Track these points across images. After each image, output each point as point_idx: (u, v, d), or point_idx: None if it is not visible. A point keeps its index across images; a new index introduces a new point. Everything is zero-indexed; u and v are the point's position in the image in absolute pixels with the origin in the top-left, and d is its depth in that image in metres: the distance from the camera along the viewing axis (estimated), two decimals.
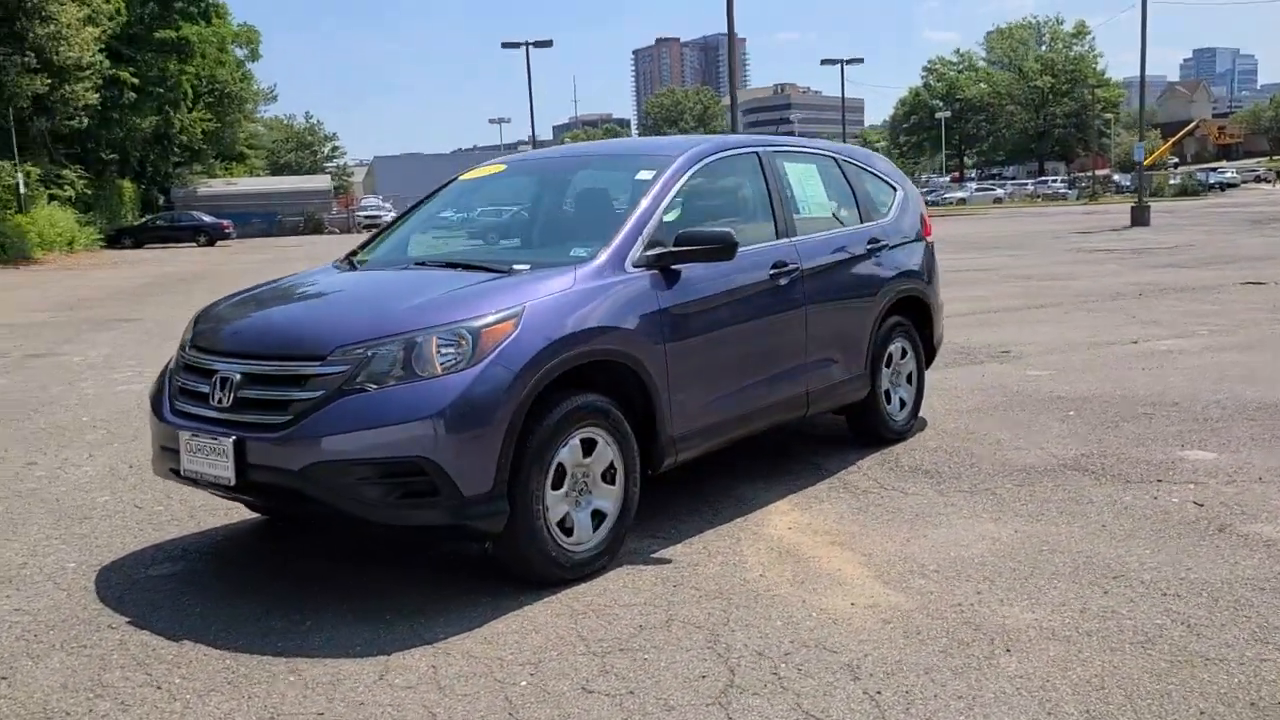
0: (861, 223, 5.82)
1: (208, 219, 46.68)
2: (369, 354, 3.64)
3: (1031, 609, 3.62)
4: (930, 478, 5.27)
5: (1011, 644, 3.35)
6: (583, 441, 3.98)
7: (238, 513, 4.91)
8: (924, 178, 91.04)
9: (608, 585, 3.95)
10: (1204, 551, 4.12)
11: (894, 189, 6.28)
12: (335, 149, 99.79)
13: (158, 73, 47.76)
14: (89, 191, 43.87)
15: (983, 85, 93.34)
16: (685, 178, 4.77)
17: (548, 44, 51.15)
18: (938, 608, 3.66)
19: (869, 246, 5.70)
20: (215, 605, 3.88)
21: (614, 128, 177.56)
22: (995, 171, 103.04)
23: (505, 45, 51.22)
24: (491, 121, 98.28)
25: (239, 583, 4.13)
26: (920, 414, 6.61)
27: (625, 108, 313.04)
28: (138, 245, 43.60)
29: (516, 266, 4.30)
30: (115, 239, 43.44)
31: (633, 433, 4.18)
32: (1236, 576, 3.84)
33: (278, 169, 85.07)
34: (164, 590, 4.06)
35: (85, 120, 34.66)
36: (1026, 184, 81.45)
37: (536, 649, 3.41)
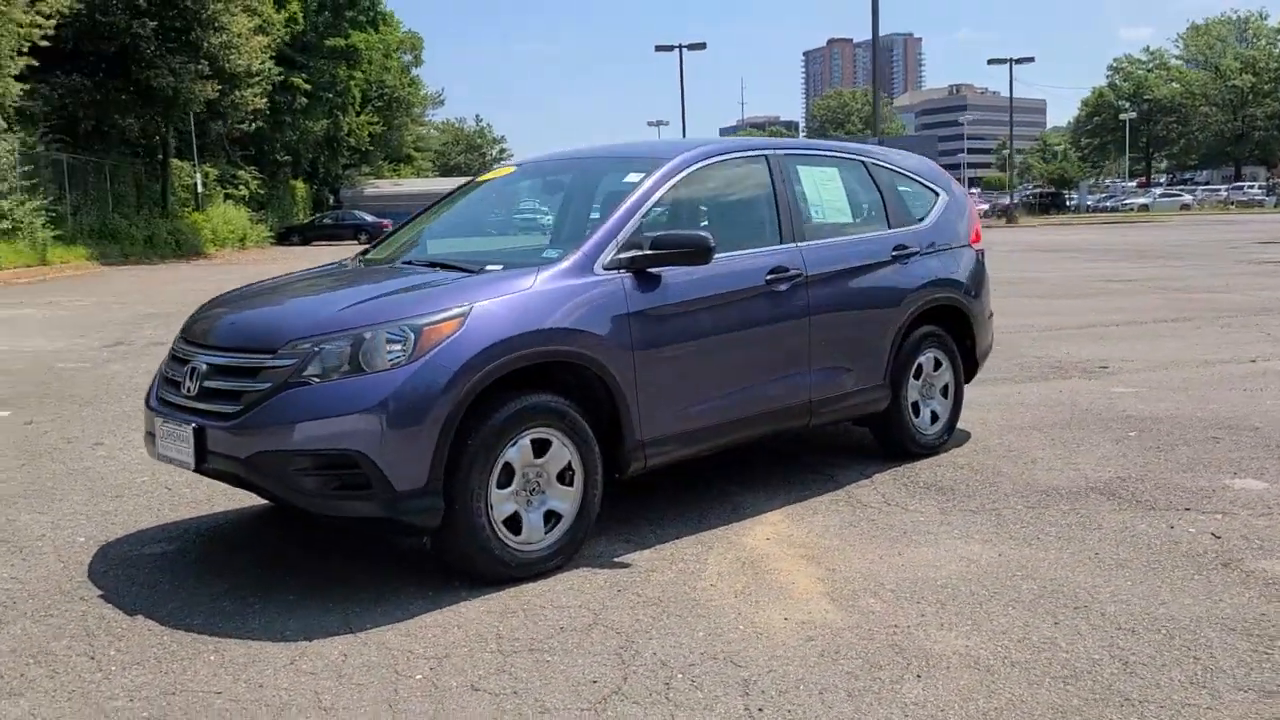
0: (890, 228, 5.64)
1: (369, 218, 48.69)
2: (316, 349, 3.76)
3: (969, 636, 3.45)
4: (941, 495, 5.07)
5: (926, 670, 3.20)
6: (535, 442, 4.00)
7: (249, 499, 5.14)
8: (1106, 182, 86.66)
9: (553, 586, 3.96)
10: (1191, 586, 3.83)
11: (935, 193, 6.05)
12: (503, 151, 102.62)
13: (328, 78, 50.16)
14: (262, 191, 46.51)
15: (1174, 85, 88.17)
16: (675, 181, 4.73)
17: (701, 46, 51.28)
18: (872, 628, 3.52)
19: (894, 253, 5.52)
20: (184, 584, 4.08)
21: (779, 129, 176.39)
22: (1187, 176, 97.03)
23: (659, 49, 51.66)
24: (650, 124, 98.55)
25: (217, 565, 4.33)
26: (966, 429, 6.38)
27: (794, 109, 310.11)
28: (304, 242, 45.86)
29: (490, 267, 4.36)
30: (284, 236, 45.88)
31: (596, 435, 4.18)
32: (1211, 615, 3.56)
33: (447, 170, 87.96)
34: (148, 567, 4.29)
35: (254, 124, 36.71)
36: (1219, 190, 76.43)
37: (449, 644, 3.45)
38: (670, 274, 4.45)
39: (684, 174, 4.79)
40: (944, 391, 5.89)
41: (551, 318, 4.03)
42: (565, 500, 4.12)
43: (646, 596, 3.85)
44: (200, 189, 38.13)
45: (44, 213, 24.92)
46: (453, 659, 3.34)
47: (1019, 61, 55.28)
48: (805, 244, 5.08)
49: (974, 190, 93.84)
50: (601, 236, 4.36)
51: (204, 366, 3.98)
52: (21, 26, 21.69)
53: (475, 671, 3.25)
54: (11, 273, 22.15)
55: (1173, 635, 3.40)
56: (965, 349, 6.02)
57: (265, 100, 35.94)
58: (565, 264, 4.24)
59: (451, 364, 3.73)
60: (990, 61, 57.70)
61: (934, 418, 5.84)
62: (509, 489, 3.95)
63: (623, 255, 4.34)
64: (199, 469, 3.91)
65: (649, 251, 4.34)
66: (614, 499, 4.99)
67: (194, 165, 37.82)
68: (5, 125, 24.26)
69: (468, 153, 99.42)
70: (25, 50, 23.13)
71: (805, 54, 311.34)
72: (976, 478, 5.35)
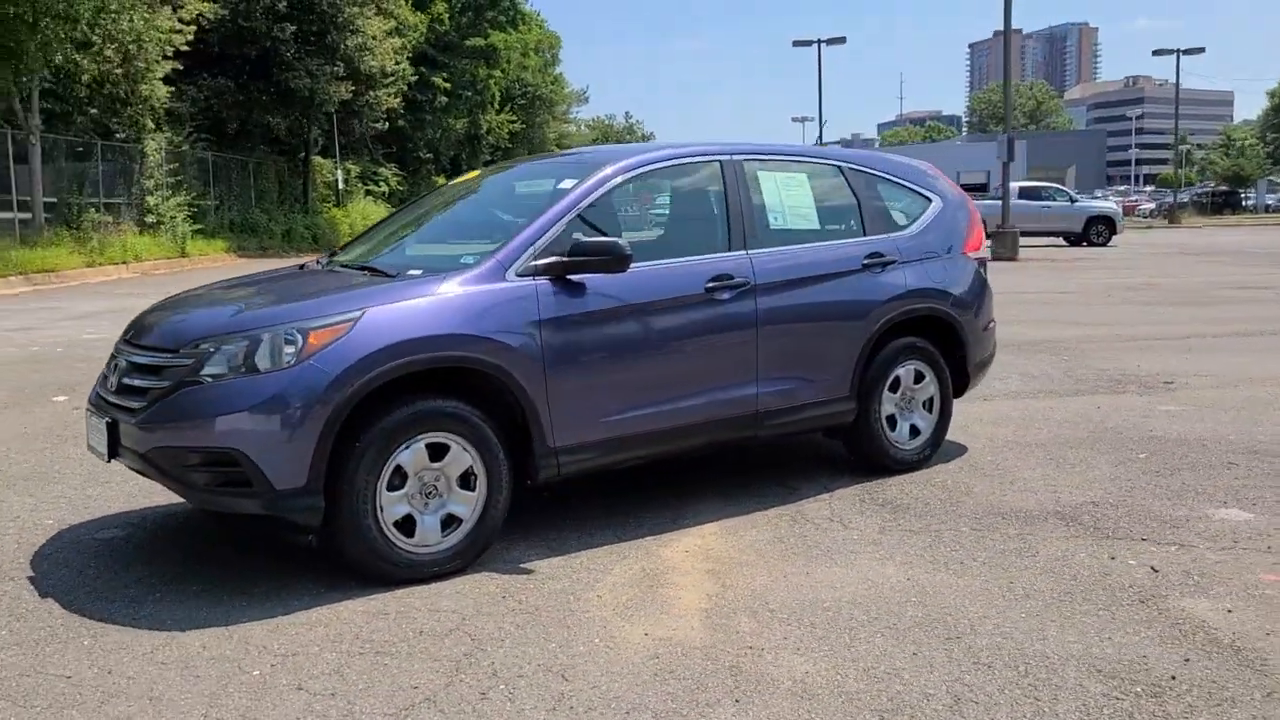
0: (865, 235, 5.47)
1: None
2: (212, 349, 3.90)
3: (817, 662, 3.34)
4: (893, 513, 4.90)
5: (747, 696, 3.11)
6: (432, 446, 4.06)
7: None
8: None
9: (441, 589, 4.00)
10: (1087, 622, 3.61)
11: (927, 200, 5.84)
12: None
13: (469, 78, 51.47)
14: (403, 188, 48.08)
15: None
16: (608, 188, 4.70)
17: (840, 41, 50.40)
18: (724, 649, 3.44)
19: (866, 262, 5.35)
20: (108, 570, 4.29)
21: (938, 125, 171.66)
22: None
23: (797, 44, 51.04)
24: (794, 120, 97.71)
25: (149, 553, 4.52)
26: (967, 443, 6.16)
27: (957, 104, 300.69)
28: None
29: (411, 271, 4.43)
30: None
31: (508, 441, 4.21)
32: (1085, 654, 3.35)
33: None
34: (88, 552, 4.52)
35: (393, 122, 37.91)
36: None
37: (304, 643, 3.53)
38: (596, 281, 4.44)
39: (619, 180, 4.76)
40: (927, 405, 5.68)
41: (448, 324, 4.07)
42: (466, 505, 4.16)
43: (526, 605, 3.86)
44: (341, 185, 39.73)
45: (186, 208, 26.41)
46: (298, 658, 3.42)
47: (1187, 52, 52.24)
48: (758, 252, 4.98)
49: (1147, 188, 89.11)
50: (518, 243, 4.38)
51: (124, 364, 4.19)
52: (162, 33, 22.99)
53: (310, 671, 3.32)
54: (151, 264, 23.56)
55: (1027, 673, 3.21)
56: (955, 361, 5.79)
57: (400, 100, 37.14)
58: (476, 270, 4.28)
59: (333, 368, 3.82)
60: (1156, 53, 54.58)
61: (914, 432, 5.64)
62: (401, 491, 4.01)
63: (540, 262, 4.35)
64: (111, 460, 4.12)
65: (564, 259, 4.34)
66: (552, 504, 5.03)
67: (335, 163, 39.42)
68: (153, 126, 25.85)
69: None
70: (170, 55, 24.55)
71: (971, 46, 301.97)
72: (941, 496, 5.15)
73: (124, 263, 22.49)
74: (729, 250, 4.94)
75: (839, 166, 5.58)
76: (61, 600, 3.96)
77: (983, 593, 3.91)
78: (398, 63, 35.13)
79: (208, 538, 4.78)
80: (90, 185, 23.85)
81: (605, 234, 4.55)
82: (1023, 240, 29.77)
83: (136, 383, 4.08)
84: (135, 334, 4.38)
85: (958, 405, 6.59)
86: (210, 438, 3.79)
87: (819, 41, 50.26)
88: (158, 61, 24.16)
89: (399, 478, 4.00)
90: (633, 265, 4.61)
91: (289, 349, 3.87)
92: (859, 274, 5.32)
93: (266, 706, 3.10)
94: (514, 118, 59.83)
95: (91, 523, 4.94)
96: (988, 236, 28.14)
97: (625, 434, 4.55)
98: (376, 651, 3.46)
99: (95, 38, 20.62)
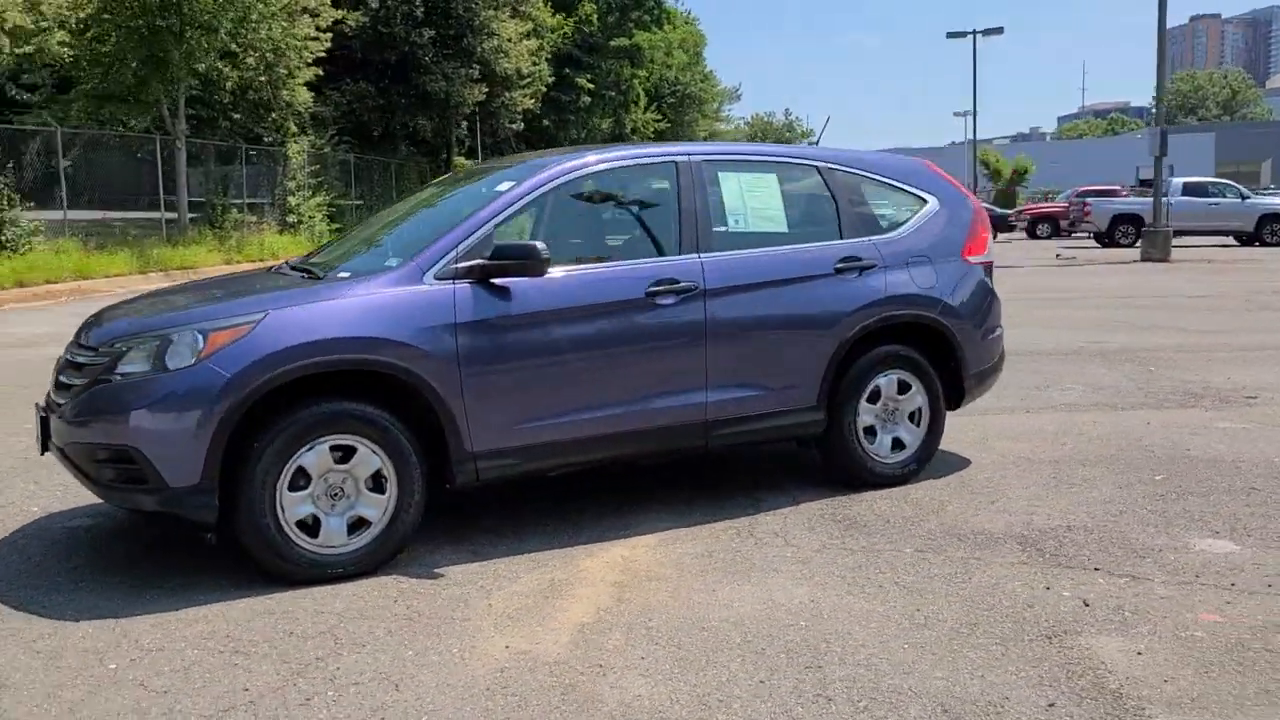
0: (841, 238, 5.23)
1: None
2: (124, 348, 4.04)
3: (659, 685, 3.21)
4: (845, 531, 4.67)
5: (569, 716, 3.02)
6: (337, 448, 4.09)
7: None
8: None
9: (340, 591, 4.02)
10: (968, 657, 3.36)
11: (923, 201, 5.54)
12: (811, 145, 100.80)
13: (613, 77, 52.00)
14: None
15: None
16: (543, 192, 4.64)
17: (997, 31, 48.65)
18: (574, 667, 3.35)
19: (839, 265, 5.12)
20: (55, 558, 4.47)
21: (1121, 117, 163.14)
22: None
23: (950, 35, 49.51)
24: (956, 115, 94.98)
25: (103, 545, 4.69)
26: (972, 457, 5.84)
27: (1146, 93, 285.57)
28: None
29: (340, 274, 4.49)
30: None
31: (415, 444, 4.21)
32: (945, 690, 3.13)
33: None
34: (49, 540, 4.73)
35: (523, 124, 38.62)
36: None
37: (176, 638, 3.60)
38: (521, 285, 4.39)
39: (556, 184, 4.69)
40: (913, 418, 5.39)
41: (351, 327, 4.09)
42: (376, 508, 4.18)
43: (412, 610, 3.85)
44: None
45: (325, 208, 27.62)
46: (161, 654, 3.49)
47: None
48: (710, 255, 4.83)
49: None
50: (439, 247, 4.37)
51: (64, 361, 4.38)
52: (298, 40, 24.06)
53: (161, 668, 3.38)
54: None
55: (865, 709, 3.01)
56: (949, 372, 5.48)
57: (536, 101, 37.81)
58: (395, 273, 4.30)
59: (228, 369, 3.89)
60: None
61: (897, 445, 5.36)
62: (305, 492, 4.06)
63: (460, 265, 4.33)
64: (43, 454, 4.31)
65: (483, 262, 4.31)
66: (503, 505, 5.01)
67: (476, 162, 40.47)
68: (296, 129, 27.13)
69: None
70: (311, 61, 25.70)
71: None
72: (908, 514, 4.89)
73: (260, 260, 23.67)
74: (679, 254, 4.81)
75: (816, 167, 5.35)
76: (5, 583, 4.16)
77: (880, 619, 3.68)
78: (535, 64, 35.77)
79: (167, 532, 4.94)
80: (235, 186, 25.21)
81: (536, 238, 4.50)
82: (1189, 240, 28.01)
83: (66, 380, 4.25)
84: (81, 332, 4.57)
85: (980, 417, 6.26)
86: (109, 434, 3.92)
87: (974, 33, 48.61)
88: (299, 68, 25.32)
89: (303, 478, 4.05)
90: (573, 269, 4.56)
91: (189, 350, 3.96)
92: (828, 279, 5.09)
93: (98, 701, 3.17)
94: (659, 116, 60.05)
95: (68, 512, 5.18)
96: (1138, 235, 26.53)
97: (552, 440, 4.48)
98: (236, 650, 3.51)
99: (235, 47, 21.74)
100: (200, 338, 3.96)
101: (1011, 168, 60.33)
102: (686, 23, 63.66)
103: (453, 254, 4.35)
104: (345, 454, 4.11)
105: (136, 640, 3.61)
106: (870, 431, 5.29)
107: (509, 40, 32.50)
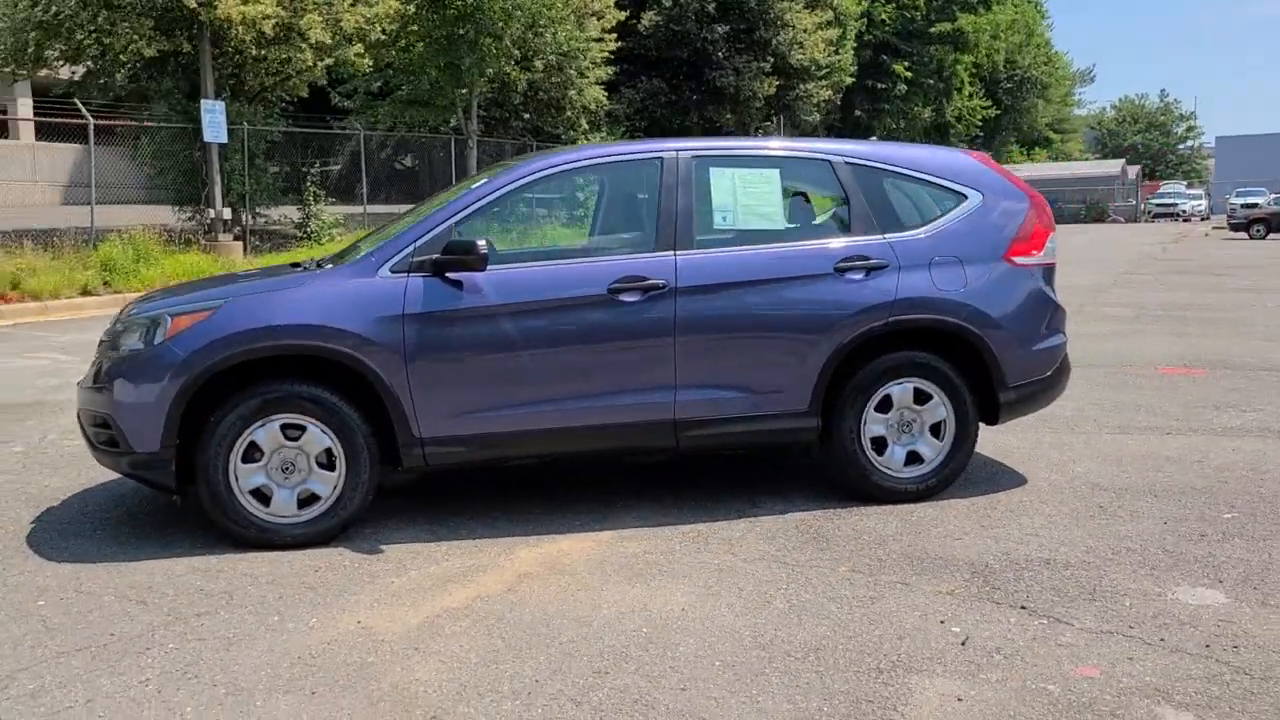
0: (849, 236, 4.94)
1: None
2: (121, 327, 4.62)
3: (449, 672, 3.30)
4: (799, 544, 4.46)
5: (322, 692, 3.18)
6: (287, 426, 4.44)
7: None
8: None
9: (281, 558, 4.33)
10: (761, 686, 3.18)
11: (960, 196, 5.10)
12: (1190, 129, 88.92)
13: (934, 64, 50.19)
14: None
15: None
16: (513, 189, 4.75)
17: None
18: (395, 646, 3.50)
19: (840, 265, 4.85)
20: (93, 514, 5.18)
21: None
22: None
23: None
24: None
25: (130, 505, 5.34)
26: (1024, 476, 5.33)
27: None
28: None
29: (325, 266, 4.85)
30: None
31: (364, 426, 4.48)
32: (691, 709, 2.97)
33: (1118, 153, 79.25)
34: (93, 500, 5.46)
35: (818, 114, 38.13)
36: None
37: (105, 586, 4.04)
38: (476, 280, 4.54)
39: (527, 180, 4.78)
40: (935, 431, 5.01)
41: (297, 315, 4.41)
42: (326, 484, 4.50)
43: (315, 582, 4.08)
44: None
45: None
46: (85, 597, 3.95)
47: None
48: (687, 253, 4.75)
49: None
50: (397, 240, 4.62)
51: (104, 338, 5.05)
52: (580, 43, 25.23)
53: (72, 609, 3.83)
54: None
55: (602, 717, 2.93)
56: (981, 382, 5.03)
57: (834, 92, 37.26)
58: (354, 266, 4.60)
59: (184, 350, 4.33)
60: None
61: (913, 460, 5.00)
62: (258, 464, 4.44)
63: (415, 259, 4.56)
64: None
65: (435, 257, 4.51)
66: (490, 488, 5.19)
67: None
68: (587, 126, 28.46)
69: (1146, 132, 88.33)
70: (600, 62, 26.88)
71: None
72: (886, 533, 4.58)
73: None
74: (654, 251, 4.76)
75: (829, 161, 5.06)
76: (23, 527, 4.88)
77: (727, 634, 3.55)
78: (836, 53, 35.28)
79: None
80: None
81: (500, 232, 4.64)
82: None
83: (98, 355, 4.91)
84: (120, 312, 5.24)
85: (1112, 436, 5.73)
86: (97, 403, 4.50)
87: None
88: (588, 68, 26.57)
89: (257, 452, 4.43)
90: (533, 266, 4.67)
91: (162, 332, 4.45)
92: (826, 279, 4.84)
93: (8, 655, 3.51)
94: (988, 103, 57.20)
95: (98, 489, 5.66)
96: None
97: (505, 431, 4.60)
98: (140, 600, 3.92)
99: (516, 52, 23.19)
100: (169, 320, 4.45)
101: None
102: (1014, 4, 60.02)
103: (410, 249, 4.58)
104: (298, 432, 4.46)
105: (79, 584, 4.13)
106: (880, 443, 4.97)
107: (804, 31, 32.28)
